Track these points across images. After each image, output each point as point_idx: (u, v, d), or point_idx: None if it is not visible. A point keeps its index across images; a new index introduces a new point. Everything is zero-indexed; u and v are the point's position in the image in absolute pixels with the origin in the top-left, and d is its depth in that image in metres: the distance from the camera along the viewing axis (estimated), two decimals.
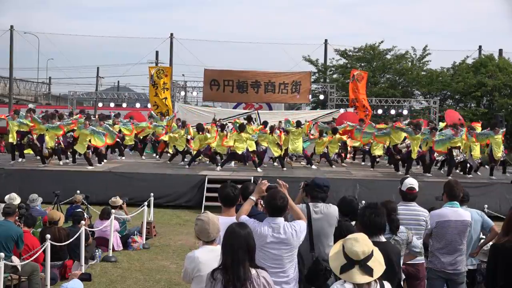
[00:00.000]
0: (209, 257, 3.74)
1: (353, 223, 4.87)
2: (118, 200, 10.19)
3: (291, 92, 21.91)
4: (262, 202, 5.52)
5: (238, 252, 3.32)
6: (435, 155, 14.62)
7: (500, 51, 30.67)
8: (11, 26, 32.44)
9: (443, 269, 5.25)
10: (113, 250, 9.00)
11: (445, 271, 5.26)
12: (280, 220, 4.24)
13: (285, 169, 15.17)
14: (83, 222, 7.95)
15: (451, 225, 5.22)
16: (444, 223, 5.22)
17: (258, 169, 14.57)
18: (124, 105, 29.94)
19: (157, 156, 17.80)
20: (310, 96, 22.96)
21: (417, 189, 5.43)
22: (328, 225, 4.94)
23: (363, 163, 17.56)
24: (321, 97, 25.45)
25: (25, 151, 15.78)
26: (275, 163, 16.15)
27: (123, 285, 7.49)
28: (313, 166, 15.85)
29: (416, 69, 30.14)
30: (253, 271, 3.36)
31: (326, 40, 32.02)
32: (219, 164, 14.90)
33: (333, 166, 16.06)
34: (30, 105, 33.96)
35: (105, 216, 9.15)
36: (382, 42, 30.93)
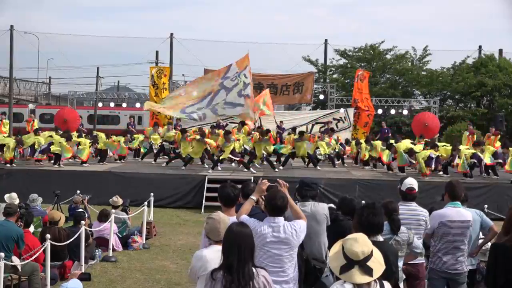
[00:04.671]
0: (216, 256, 3.75)
1: None
2: (118, 200, 10.19)
3: (293, 93, 21.98)
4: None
5: (244, 251, 3.34)
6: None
7: (500, 51, 30.67)
8: (11, 26, 32.40)
9: (445, 269, 5.25)
10: (113, 250, 9.00)
11: (447, 271, 5.25)
12: (280, 219, 4.25)
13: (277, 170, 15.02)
14: (83, 222, 7.95)
15: (454, 225, 5.22)
16: (447, 223, 5.22)
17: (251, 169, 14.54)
18: (124, 105, 29.97)
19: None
20: (310, 96, 22.96)
21: (416, 189, 5.44)
22: (316, 223, 4.98)
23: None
24: (321, 97, 25.48)
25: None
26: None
27: (123, 285, 7.49)
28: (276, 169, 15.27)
29: (416, 69, 30.16)
30: (253, 270, 3.37)
31: (326, 40, 32.02)
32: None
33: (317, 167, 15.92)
34: (30, 105, 33.99)
35: (103, 218, 9.14)
36: (382, 42, 30.99)
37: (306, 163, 16.37)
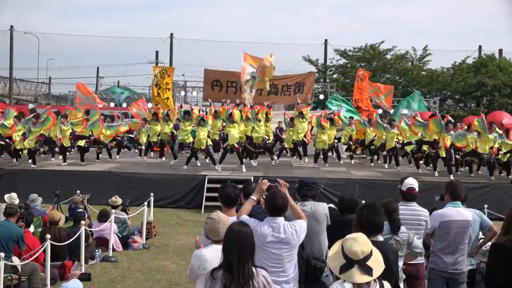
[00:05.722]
0: (215, 255, 3.75)
1: None
2: (118, 200, 10.19)
3: (294, 93, 22.00)
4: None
5: (244, 251, 3.34)
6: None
7: (500, 51, 30.69)
8: (11, 26, 32.46)
9: (445, 269, 5.25)
10: (113, 250, 9.00)
11: (447, 271, 5.26)
12: (280, 219, 4.25)
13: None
14: (83, 222, 7.96)
15: (455, 225, 5.22)
16: (448, 223, 5.22)
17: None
18: (124, 105, 29.95)
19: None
20: (310, 96, 22.97)
21: (417, 189, 5.44)
22: (316, 222, 5.00)
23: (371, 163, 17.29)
24: (321, 97, 25.48)
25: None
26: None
27: (123, 285, 7.49)
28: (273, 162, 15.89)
29: (416, 69, 30.16)
30: (253, 270, 3.37)
31: (326, 40, 32.07)
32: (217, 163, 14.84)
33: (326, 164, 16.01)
34: (30, 105, 33.99)
35: (102, 218, 9.14)
36: (382, 42, 30.99)
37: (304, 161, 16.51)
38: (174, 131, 16.56)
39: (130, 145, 18.57)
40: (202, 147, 14.80)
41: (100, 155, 17.09)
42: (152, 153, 17.99)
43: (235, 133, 14.35)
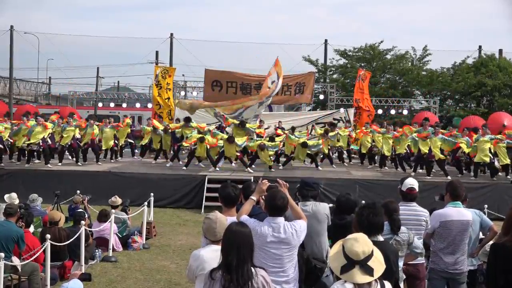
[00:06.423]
0: (213, 256, 3.75)
1: None
2: (118, 200, 10.19)
3: (294, 94, 21.99)
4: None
5: (243, 251, 3.34)
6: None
7: (500, 51, 30.65)
8: (11, 26, 32.42)
9: (446, 269, 5.25)
10: (113, 250, 9.00)
11: (447, 271, 5.26)
12: (280, 219, 4.25)
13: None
14: (83, 222, 7.95)
15: (455, 225, 5.22)
16: (448, 223, 5.22)
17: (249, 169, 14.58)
18: (124, 105, 29.98)
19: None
20: (310, 96, 22.97)
21: (417, 189, 5.44)
22: (317, 222, 5.00)
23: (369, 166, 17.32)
24: (321, 97, 25.47)
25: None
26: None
27: (123, 285, 7.49)
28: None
29: (416, 69, 30.13)
30: (252, 270, 3.37)
31: (326, 40, 31.98)
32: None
33: (334, 166, 16.04)
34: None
35: (102, 218, 9.14)
36: (382, 42, 30.95)
37: (310, 161, 16.38)
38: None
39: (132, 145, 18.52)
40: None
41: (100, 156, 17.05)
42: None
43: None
